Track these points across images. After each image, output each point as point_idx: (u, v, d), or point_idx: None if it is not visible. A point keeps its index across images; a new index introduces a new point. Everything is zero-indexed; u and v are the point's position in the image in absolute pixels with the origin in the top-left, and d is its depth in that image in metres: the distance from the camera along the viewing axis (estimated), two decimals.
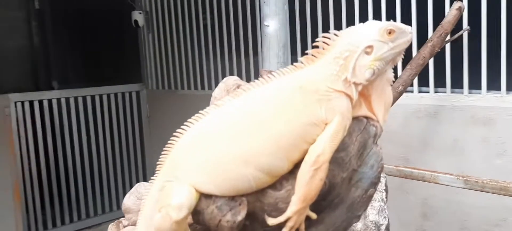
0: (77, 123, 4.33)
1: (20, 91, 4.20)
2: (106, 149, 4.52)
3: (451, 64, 2.73)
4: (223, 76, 3.82)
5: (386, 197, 1.69)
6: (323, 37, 1.04)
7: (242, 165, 0.98)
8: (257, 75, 3.22)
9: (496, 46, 2.60)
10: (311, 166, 0.96)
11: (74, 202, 4.39)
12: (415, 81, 2.82)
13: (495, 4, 2.56)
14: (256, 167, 0.98)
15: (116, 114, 4.56)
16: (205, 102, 1.20)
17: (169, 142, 1.07)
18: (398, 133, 2.92)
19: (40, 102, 4.11)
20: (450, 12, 2.48)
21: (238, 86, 1.33)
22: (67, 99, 4.27)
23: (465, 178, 2.15)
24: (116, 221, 1.47)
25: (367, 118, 1.06)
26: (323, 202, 1.03)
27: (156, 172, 1.08)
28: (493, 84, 2.65)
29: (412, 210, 2.90)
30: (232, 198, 1.00)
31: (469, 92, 2.70)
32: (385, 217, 1.61)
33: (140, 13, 4.54)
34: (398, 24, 1.05)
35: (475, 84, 2.69)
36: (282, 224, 1.00)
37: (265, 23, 2.57)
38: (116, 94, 4.58)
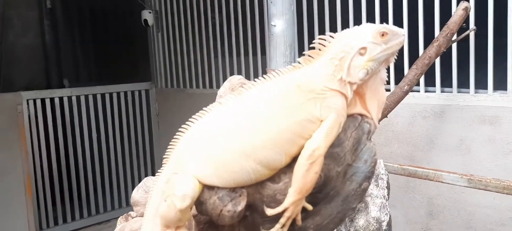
0: (88, 120, 4.39)
1: (32, 89, 4.27)
2: (116, 146, 4.57)
3: (457, 64, 2.74)
4: (231, 75, 3.84)
5: (388, 194, 1.71)
6: (320, 39, 1.09)
7: (243, 158, 1.03)
8: (264, 74, 3.25)
9: (502, 46, 2.60)
10: (307, 160, 1.01)
11: (84, 198, 4.46)
12: (422, 81, 2.83)
13: (502, 3, 2.56)
14: (255, 161, 1.03)
15: (125, 112, 4.62)
16: (213, 100, 1.24)
17: (175, 136, 1.12)
18: (405, 132, 2.93)
19: (52, 100, 4.17)
20: (456, 12, 2.49)
21: (242, 85, 1.36)
22: (78, 97, 4.33)
23: (468, 177, 2.16)
24: (125, 214, 1.52)
25: (361, 115, 1.11)
26: (319, 195, 1.07)
27: (162, 166, 1.14)
28: (500, 84, 2.66)
29: (418, 209, 2.92)
30: (233, 189, 1.05)
31: (476, 92, 2.70)
32: (386, 214, 1.64)
33: (150, 12, 4.59)
34: (391, 26, 1.10)
35: (481, 84, 2.70)
36: (280, 215, 1.05)
37: (272, 23, 2.60)
38: (125, 93, 4.63)
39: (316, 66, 1.08)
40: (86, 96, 4.38)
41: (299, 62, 1.10)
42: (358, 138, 1.07)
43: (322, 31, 3.23)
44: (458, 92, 2.76)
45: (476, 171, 2.52)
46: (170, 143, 1.13)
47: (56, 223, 4.27)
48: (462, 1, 2.48)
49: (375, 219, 1.61)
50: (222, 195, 1.04)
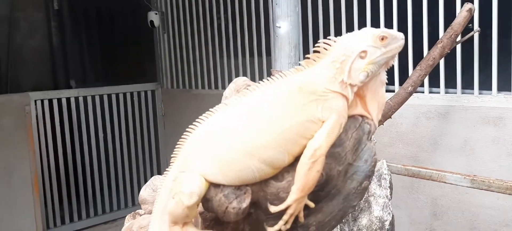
0: (94, 121, 4.42)
1: (39, 90, 4.30)
2: (122, 146, 4.60)
3: (462, 65, 2.74)
4: (236, 76, 3.89)
5: (391, 194, 1.73)
6: (322, 42, 1.13)
7: (247, 157, 1.07)
8: (268, 75, 3.28)
9: (507, 47, 2.61)
10: (309, 159, 1.05)
11: (91, 197, 4.49)
12: (426, 82, 2.84)
13: (506, 5, 2.57)
14: (259, 160, 1.07)
15: (132, 112, 4.65)
16: (218, 101, 1.28)
17: (182, 137, 1.16)
18: (409, 133, 2.94)
19: (59, 100, 4.20)
20: (460, 14, 2.50)
21: (247, 86, 1.40)
22: (85, 98, 4.36)
23: (472, 177, 2.17)
24: (132, 212, 1.55)
25: (362, 116, 1.14)
26: (321, 193, 1.11)
27: (170, 164, 1.17)
28: (504, 85, 2.66)
29: (422, 209, 2.93)
30: (238, 187, 1.09)
31: (480, 93, 2.71)
32: (389, 213, 1.66)
33: (156, 13, 4.63)
34: (390, 31, 1.13)
35: (485, 85, 2.70)
36: (283, 212, 1.08)
37: (277, 24, 2.63)
38: (132, 93, 4.66)
39: (318, 69, 1.11)
40: (93, 97, 4.42)
41: (301, 65, 1.14)
42: (358, 138, 1.11)
43: (327, 33, 3.25)
44: (462, 93, 2.77)
45: (480, 172, 2.53)
46: (178, 143, 1.16)
47: (63, 222, 4.31)
48: (466, 3, 2.49)
49: (378, 218, 1.63)
50: (227, 193, 1.07)
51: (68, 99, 4.27)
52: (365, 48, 1.10)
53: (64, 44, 5.98)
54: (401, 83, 2.75)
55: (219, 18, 4.21)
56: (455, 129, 2.76)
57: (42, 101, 4.09)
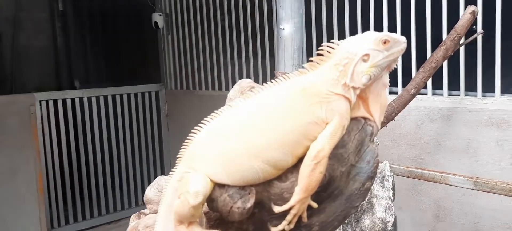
0: (99, 121, 4.44)
1: (44, 90, 4.33)
2: (126, 147, 4.62)
3: (465, 67, 2.75)
4: (240, 77, 3.91)
5: (393, 196, 1.74)
6: (325, 46, 1.15)
7: (252, 158, 1.09)
8: (272, 77, 3.30)
9: (510, 49, 2.61)
10: (312, 160, 1.06)
11: (95, 197, 4.51)
12: (429, 84, 2.85)
13: (510, 7, 2.57)
14: (263, 161, 1.09)
15: (135, 113, 4.67)
16: (222, 102, 1.29)
17: (187, 137, 1.18)
18: (412, 135, 2.95)
19: (64, 101, 4.23)
20: (463, 16, 2.51)
21: (251, 88, 1.41)
22: (89, 99, 4.39)
23: (474, 179, 2.18)
24: (138, 212, 1.56)
25: (364, 118, 1.16)
26: (324, 193, 1.12)
27: (176, 164, 1.19)
28: (507, 88, 2.67)
29: (425, 211, 2.93)
30: (242, 187, 1.11)
31: (483, 95, 2.71)
32: (392, 215, 1.67)
33: (160, 15, 4.65)
34: (392, 34, 1.15)
35: (489, 87, 2.71)
36: (287, 212, 1.10)
37: (281, 26, 2.64)
38: (136, 94, 4.68)
39: (321, 72, 1.13)
40: (97, 98, 4.44)
41: (305, 68, 1.15)
42: (361, 139, 1.12)
43: (330, 35, 3.26)
44: (466, 95, 2.77)
45: (483, 174, 2.54)
46: (183, 144, 1.18)
47: (67, 222, 4.33)
48: (469, 5, 2.50)
49: (381, 219, 1.64)
50: (232, 193, 1.09)
51: (73, 100, 4.30)
52: (367, 51, 1.11)
53: (68, 45, 6.01)
54: (404, 85, 2.76)
55: (223, 20, 4.22)
56: (458, 131, 2.77)
57: (47, 101, 4.12)
